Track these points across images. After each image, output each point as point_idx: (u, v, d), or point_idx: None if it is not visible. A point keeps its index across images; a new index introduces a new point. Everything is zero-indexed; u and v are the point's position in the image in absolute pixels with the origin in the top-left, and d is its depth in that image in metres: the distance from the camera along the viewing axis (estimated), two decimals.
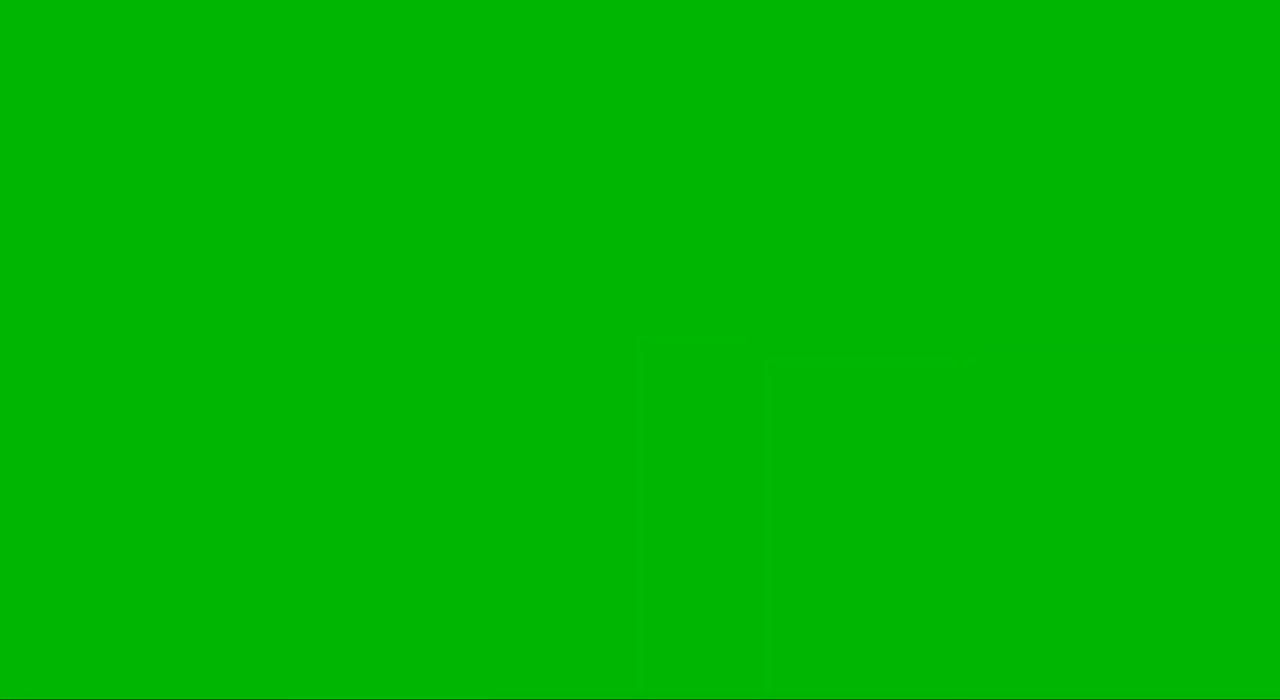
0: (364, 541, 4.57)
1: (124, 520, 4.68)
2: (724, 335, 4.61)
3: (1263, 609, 4.60)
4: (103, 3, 4.80)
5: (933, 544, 4.56)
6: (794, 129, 4.71)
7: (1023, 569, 4.66)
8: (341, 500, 4.59)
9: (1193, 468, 4.67)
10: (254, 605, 4.58)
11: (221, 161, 4.70)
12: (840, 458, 4.71)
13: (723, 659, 4.53)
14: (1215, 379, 4.75)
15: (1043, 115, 4.74)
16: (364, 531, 4.57)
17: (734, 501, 4.56)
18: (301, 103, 4.66)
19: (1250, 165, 4.77)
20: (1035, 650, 4.51)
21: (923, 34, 4.75)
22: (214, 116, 4.72)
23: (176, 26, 4.76)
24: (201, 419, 4.71)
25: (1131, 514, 4.74)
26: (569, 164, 4.64)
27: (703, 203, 4.66)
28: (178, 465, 4.69)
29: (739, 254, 4.67)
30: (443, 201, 4.63)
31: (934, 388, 4.79)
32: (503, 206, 4.63)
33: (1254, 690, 4.48)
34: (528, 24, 4.60)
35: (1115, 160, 4.75)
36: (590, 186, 4.63)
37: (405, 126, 4.64)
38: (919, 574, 4.56)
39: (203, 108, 4.73)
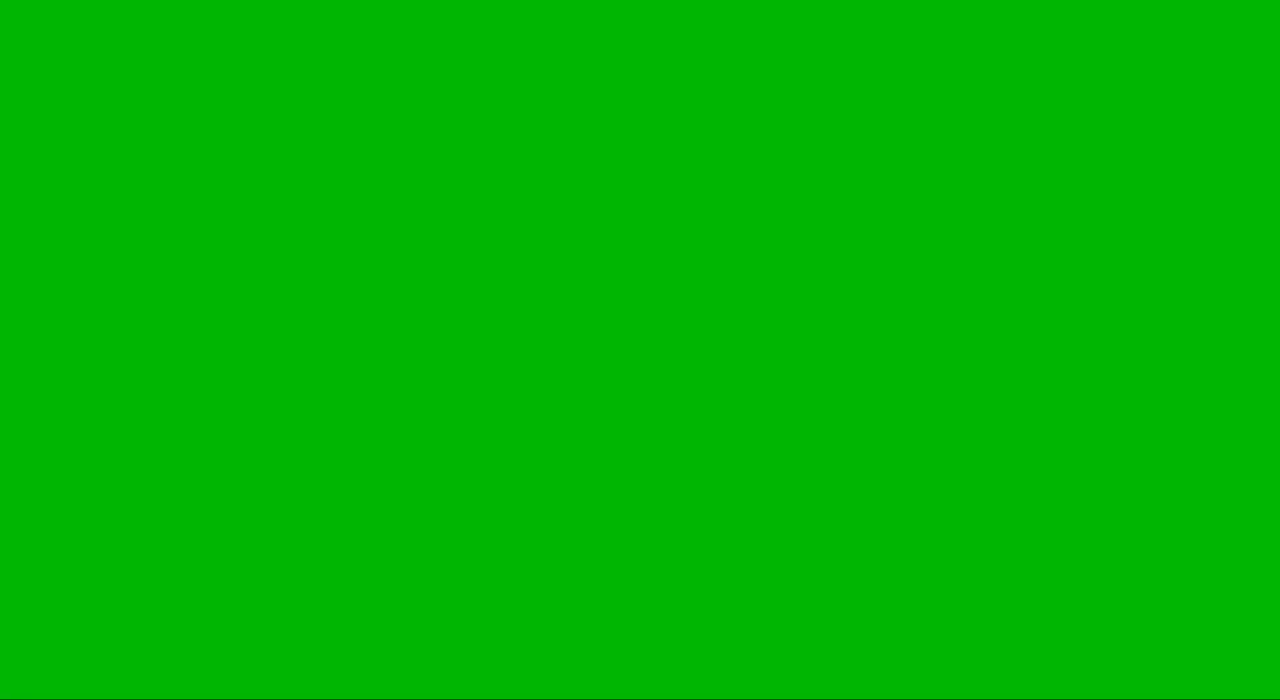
0: (365, 542, 4.59)
1: (123, 520, 4.69)
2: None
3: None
4: (102, 4, 4.81)
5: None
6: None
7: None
8: (341, 502, 4.61)
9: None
10: (253, 606, 4.60)
11: (220, 161, 4.71)
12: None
13: (721, 658, 4.55)
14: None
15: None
16: (363, 533, 4.60)
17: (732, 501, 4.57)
18: (299, 103, 4.67)
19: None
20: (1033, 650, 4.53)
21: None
22: (213, 116, 4.73)
23: (176, 27, 4.77)
24: (200, 420, 4.73)
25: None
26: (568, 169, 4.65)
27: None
28: (177, 466, 4.70)
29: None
30: (441, 203, 4.65)
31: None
32: (502, 208, 4.65)
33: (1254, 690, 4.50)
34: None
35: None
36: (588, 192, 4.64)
37: (405, 129, 4.66)
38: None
39: (202, 108, 4.75)
